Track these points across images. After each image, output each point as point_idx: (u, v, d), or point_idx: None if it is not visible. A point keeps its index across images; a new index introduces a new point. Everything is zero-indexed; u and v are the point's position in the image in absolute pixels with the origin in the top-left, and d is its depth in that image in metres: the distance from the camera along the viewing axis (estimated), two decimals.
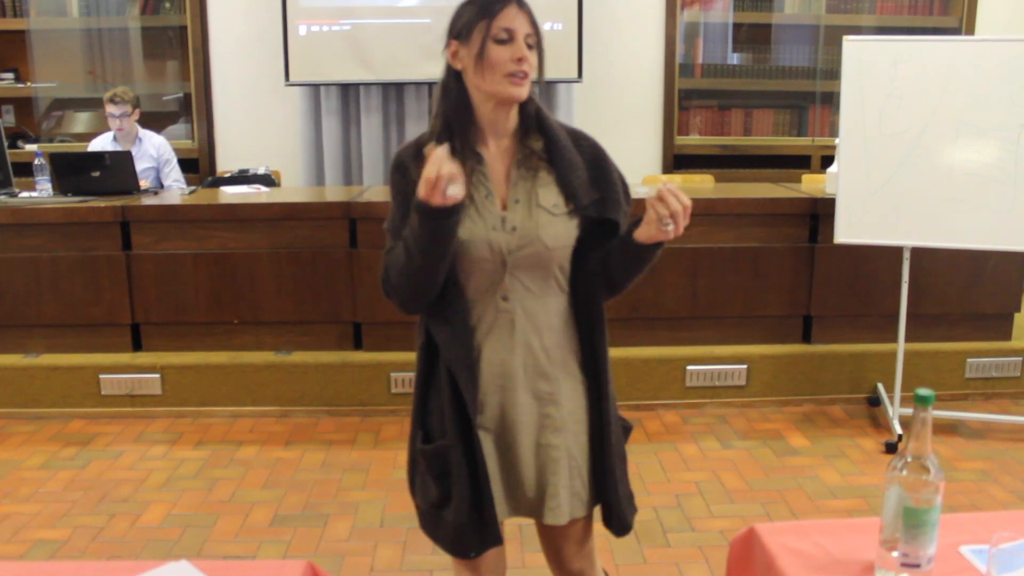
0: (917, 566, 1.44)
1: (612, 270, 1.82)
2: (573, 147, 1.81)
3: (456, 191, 1.60)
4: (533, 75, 1.74)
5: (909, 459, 1.44)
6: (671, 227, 1.65)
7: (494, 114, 1.77)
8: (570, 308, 1.86)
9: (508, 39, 1.70)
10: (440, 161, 1.59)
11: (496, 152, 1.81)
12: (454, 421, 1.83)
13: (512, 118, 1.80)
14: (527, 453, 1.85)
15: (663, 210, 1.63)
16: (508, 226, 1.76)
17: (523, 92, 1.73)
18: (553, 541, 1.98)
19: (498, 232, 1.76)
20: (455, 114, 1.77)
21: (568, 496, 1.86)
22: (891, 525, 1.46)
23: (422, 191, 1.61)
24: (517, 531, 2.95)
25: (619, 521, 1.92)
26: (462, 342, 1.81)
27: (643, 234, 1.71)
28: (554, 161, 1.79)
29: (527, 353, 1.82)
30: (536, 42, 1.74)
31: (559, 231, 1.77)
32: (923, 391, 1.43)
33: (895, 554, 1.45)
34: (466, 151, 1.76)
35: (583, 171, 1.79)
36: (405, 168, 1.81)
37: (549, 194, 1.78)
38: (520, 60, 1.69)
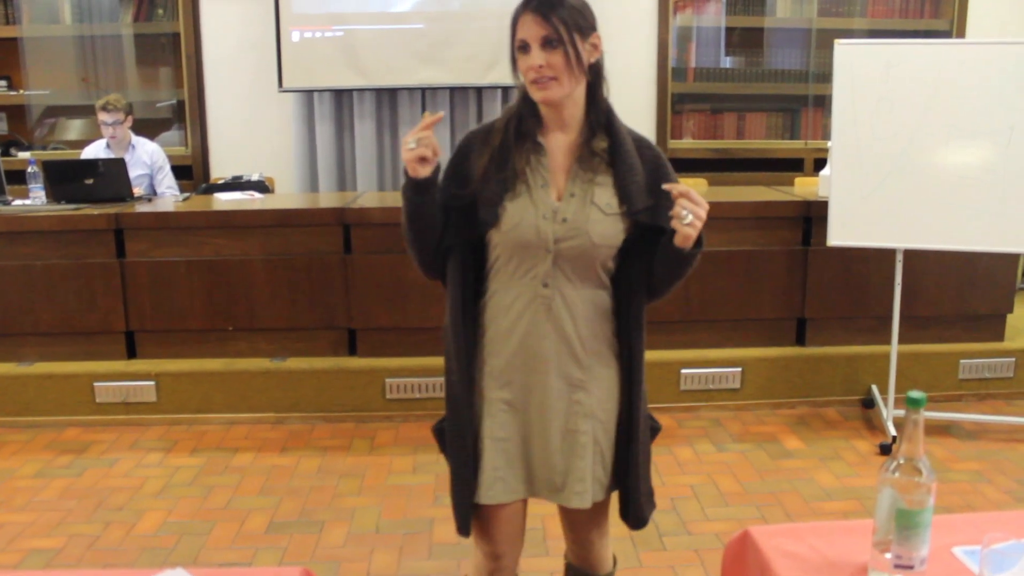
0: (910, 567, 1.44)
1: (655, 275, 1.89)
2: (635, 152, 1.86)
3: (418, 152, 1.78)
4: (563, 73, 1.78)
5: (902, 461, 1.44)
6: (689, 218, 1.71)
7: (545, 110, 1.85)
8: (610, 303, 1.92)
9: (526, 49, 1.78)
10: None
11: (560, 144, 1.88)
12: (457, 401, 1.94)
13: (568, 115, 1.86)
14: (555, 436, 1.92)
15: (678, 207, 1.71)
16: (559, 217, 1.83)
17: (548, 95, 1.80)
18: (576, 521, 2.07)
19: (548, 221, 1.82)
20: (523, 104, 1.87)
21: (592, 481, 1.93)
22: (884, 527, 1.46)
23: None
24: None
25: (636, 515, 1.99)
26: (455, 308, 1.92)
27: (678, 238, 1.76)
28: (615, 163, 1.85)
29: (560, 339, 1.88)
30: (561, 36, 1.76)
31: (607, 230, 1.83)
32: (915, 394, 1.43)
33: (888, 556, 1.46)
34: (527, 141, 1.86)
35: (641, 177, 1.84)
36: (468, 150, 1.91)
37: (604, 193, 1.84)
38: (536, 68, 1.77)
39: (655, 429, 2.05)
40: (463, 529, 1.97)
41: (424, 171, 1.79)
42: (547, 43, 1.76)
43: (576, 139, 1.88)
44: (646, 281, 1.91)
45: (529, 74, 1.79)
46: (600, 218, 1.83)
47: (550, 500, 1.97)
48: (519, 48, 1.80)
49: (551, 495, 1.96)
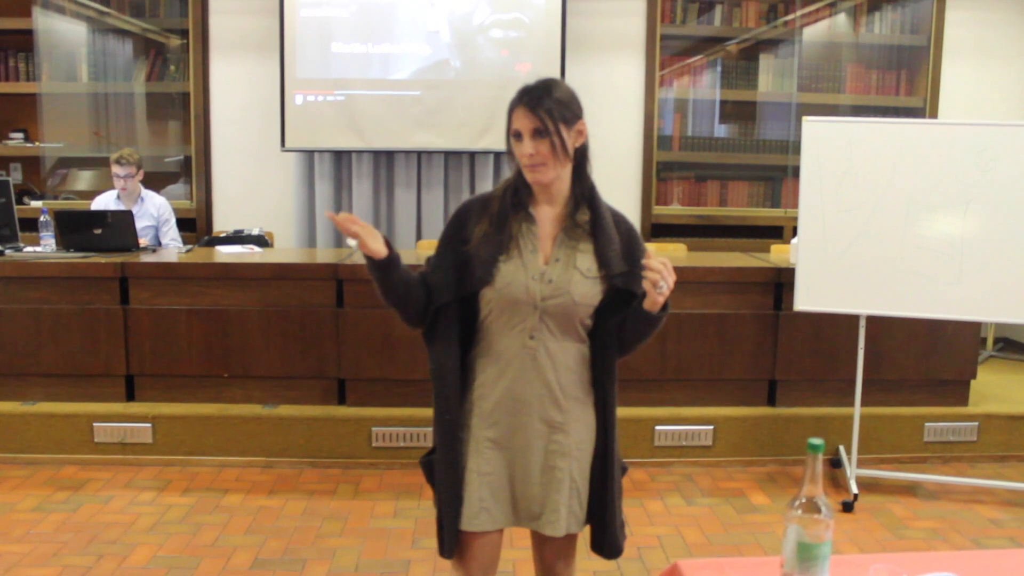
0: None
1: (625, 333, 2.15)
2: (613, 225, 2.14)
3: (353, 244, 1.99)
4: (550, 159, 2.05)
5: (804, 500, 1.64)
6: (663, 286, 1.96)
7: (536, 186, 2.12)
8: (588, 356, 2.18)
9: (518, 137, 2.05)
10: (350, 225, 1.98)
11: (548, 216, 2.14)
12: (445, 438, 2.17)
13: (556, 191, 2.13)
14: (535, 472, 2.16)
15: (654, 275, 1.95)
16: (546, 278, 2.09)
17: (538, 177, 2.08)
18: (547, 549, 2.27)
19: (536, 282, 2.08)
20: (518, 180, 2.12)
21: (566, 513, 2.16)
22: (790, 560, 1.65)
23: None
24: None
25: (612, 544, 2.22)
26: (449, 354, 2.16)
27: (648, 302, 2.02)
28: (595, 234, 2.11)
29: (543, 386, 2.13)
30: (548, 129, 2.03)
31: (587, 291, 2.09)
32: (815, 440, 1.64)
33: None
34: (520, 211, 2.12)
35: (618, 246, 2.12)
36: (466, 217, 2.16)
37: (585, 259, 2.10)
38: (529, 156, 2.04)
39: (623, 468, 2.29)
40: (448, 552, 2.18)
41: (379, 249, 2.02)
42: (537, 133, 2.04)
43: (562, 211, 2.15)
44: (617, 338, 2.16)
45: (522, 159, 2.06)
46: (581, 280, 2.09)
47: (528, 527, 2.21)
48: (513, 136, 2.07)
49: (529, 523, 2.19)
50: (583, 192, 2.14)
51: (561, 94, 2.07)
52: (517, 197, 2.13)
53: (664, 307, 2.05)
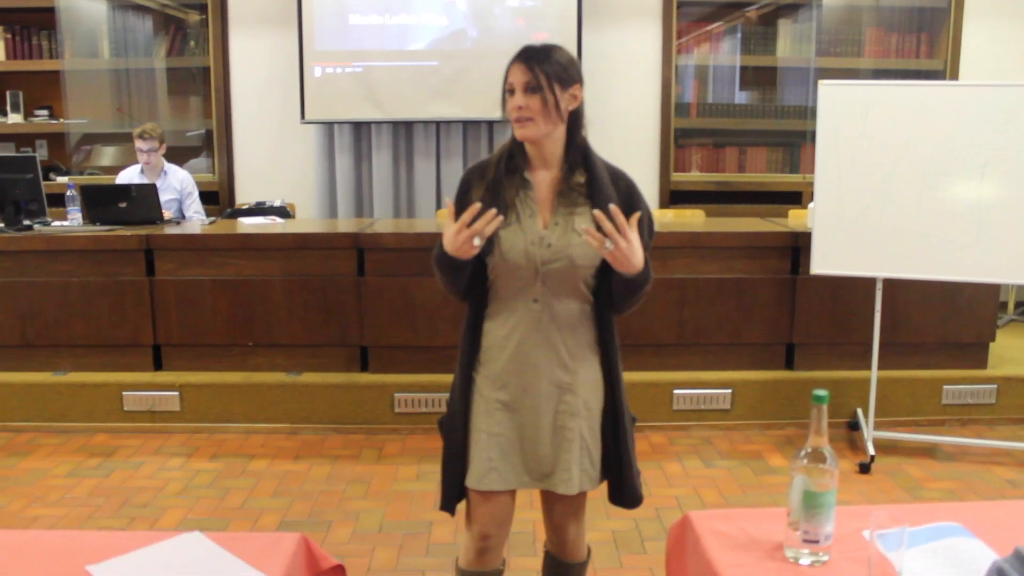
0: (816, 542, 1.68)
1: (613, 293, 2.16)
2: (611, 183, 2.15)
3: (478, 242, 2.01)
4: (539, 115, 2.06)
5: (809, 450, 1.69)
6: (610, 246, 1.97)
7: (531, 148, 2.14)
8: (592, 315, 2.21)
9: (511, 92, 2.08)
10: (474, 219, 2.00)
11: (545, 179, 2.16)
12: (457, 398, 2.23)
13: (549, 152, 2.14)
14: (546, 432, 2.20)
15: (600, 236, 1.98)
16: (545, 243, 2.12)
17: (526, 132, 2.09)
18: (556, 509, 2.32)
19: (536, 247, 2.11)
20: (513, 145, 2.16)
21: (578, 471, 2.20)
22: (796, 509, 1.70)
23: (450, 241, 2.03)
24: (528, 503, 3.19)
25: (631, 493, 2.28)
26: (471, 330, 2.22)
27: (616, 265, 2.03)
28: (592, 195, 2.12)
29: (550, 348, 2.17)
30: (541, 84, 2.05)
31: (587, 252, 2.10)
32: (819, 392, 1.69)
33: (798, 533, 1.70)
34: (516, 177, 2.14)
35: (616, 205, 2.10)
36: (468, 186, 2.20)
37: (584, 221, 2.11)
38: (517, 108, 2.06)
39: (633, 420, 2.33)
40: (447, 507, 2.26)
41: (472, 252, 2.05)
42: (529, 89, 2.06)
43: (557, 175, 2.16)
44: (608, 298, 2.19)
45: (512, 113, 2.08)
46: (580, 243, 2.10)
47: (540, 487, 2.25)
48: (508, 92, 2.10)
49: (541, 482, 2.23)
50: (576, 155, 2.15)
51: (559, 56, 2.10)
52: (512, 163, 2.15)
53: (645, 272, 2.06)
